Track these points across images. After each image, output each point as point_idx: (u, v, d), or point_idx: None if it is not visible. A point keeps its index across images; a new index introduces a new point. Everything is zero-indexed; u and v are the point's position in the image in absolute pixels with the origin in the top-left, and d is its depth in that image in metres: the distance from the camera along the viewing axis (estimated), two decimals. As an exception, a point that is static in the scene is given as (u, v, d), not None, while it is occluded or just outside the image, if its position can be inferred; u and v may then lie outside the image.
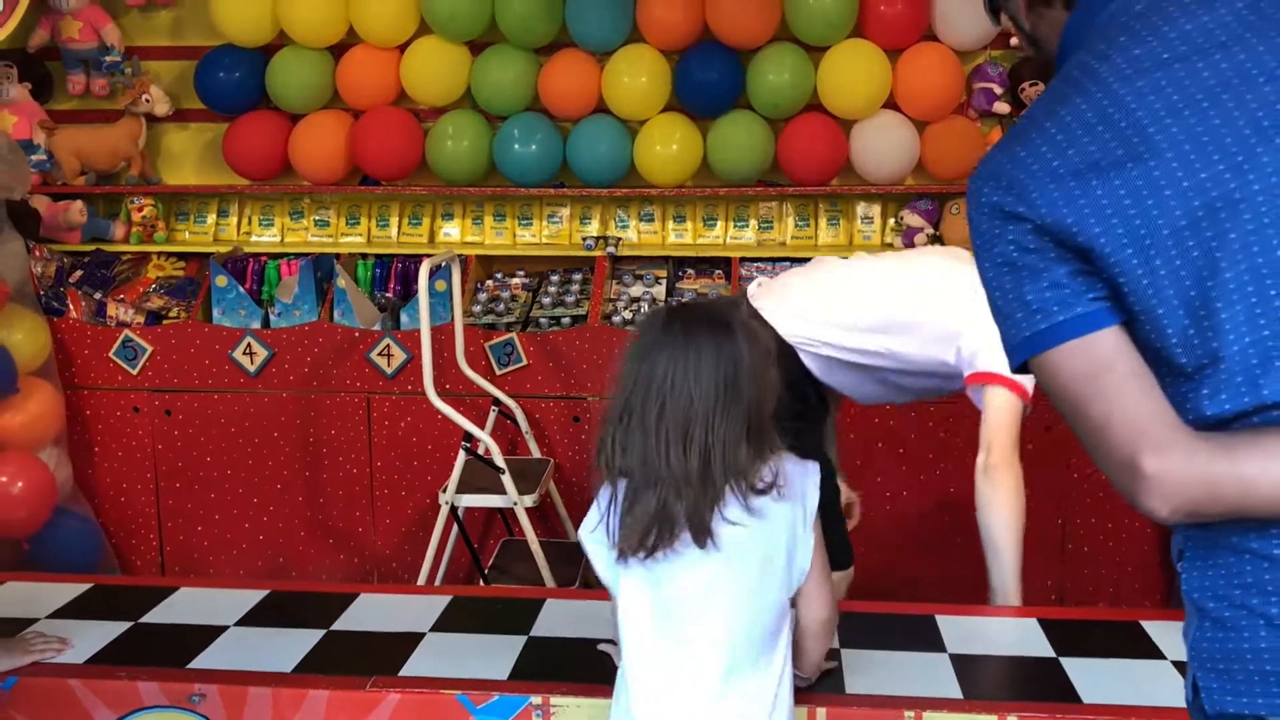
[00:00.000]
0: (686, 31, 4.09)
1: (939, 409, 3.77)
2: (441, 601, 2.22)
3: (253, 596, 2.25)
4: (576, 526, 3.89)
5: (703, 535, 1.62)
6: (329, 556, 4.11)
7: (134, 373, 4.07)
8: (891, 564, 3.77)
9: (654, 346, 1.66)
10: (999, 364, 2.40)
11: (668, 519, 1.61)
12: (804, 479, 1.71)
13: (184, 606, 2.22)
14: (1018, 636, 2.04)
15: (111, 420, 4.11)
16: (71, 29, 4.32)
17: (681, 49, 4.15)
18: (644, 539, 1.63)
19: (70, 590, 2.32)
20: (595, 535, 1.72)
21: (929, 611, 2.13)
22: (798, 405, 2.71)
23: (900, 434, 3.82)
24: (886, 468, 3.84)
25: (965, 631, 2.00)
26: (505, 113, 4.25)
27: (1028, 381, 2.44)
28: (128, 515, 4.16)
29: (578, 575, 3.60)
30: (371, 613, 2.18)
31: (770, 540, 1.66)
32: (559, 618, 2.18)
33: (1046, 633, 2.06)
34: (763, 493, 1.64)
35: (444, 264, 3.73)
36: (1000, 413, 2.45)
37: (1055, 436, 3.78)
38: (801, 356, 2.70)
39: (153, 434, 4.10)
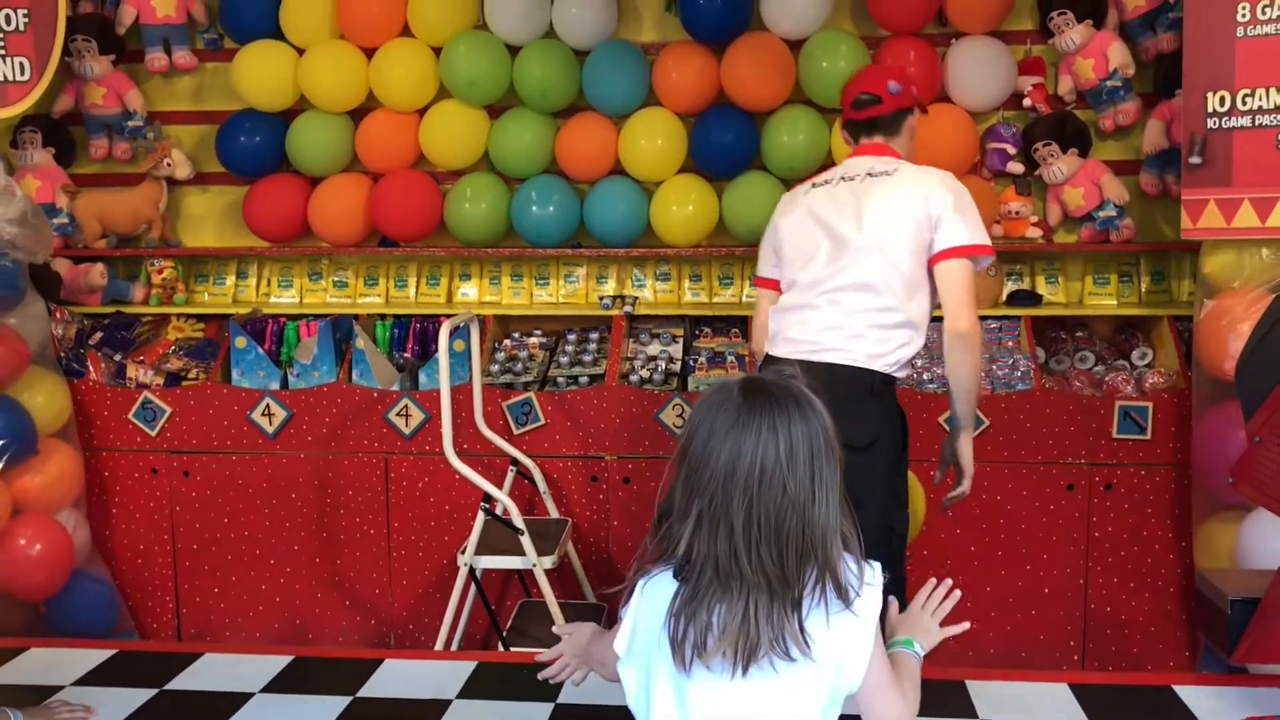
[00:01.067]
0: (702, 95, 4.14)
1: (997, 470, 3.76)
2: (466, 668, 2.20)
3: (277, 662, 2.24)
4: (595, 587, 3.92)
5: (784, 645, 1.46)
6: (346, 618, 4.09)
7: (153, 434, 4.08)
8: (982, 629, 3.75)
9: (731, 427, 1.48)
10: (946, 241, 2.68)
11: (751, 627, 1.45)
12: (867, 585, 1.54)
13: (208, 673, 2.20)
14: (1050, 702, 2.02)
15: (130, 482, 4.11)
16: (95, 95, 4.39)
17: (697, 112, 4.19)
18: (726, 647, 1.46)
19: (93, 657, 2.31)
20: (644, 626, 1.55)
21: (959, 677, 2.10)
22: (902, 435, 2.80)
23: (969, 495, 3.79)
24: (952, 527, 3.81)
25: (995, 699, 1.97)
26: (523, 175, 4.30)
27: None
28: (144, 577, 4.15)
29: (597, 637, 3.57)
30: (396, 679, 2.17)
31: (828, 651, 1.50)
32: (585, 685, 2.16)
33: (1078, 698, 2.04)
34: (846, 599, 1.49)
35: (463, 324, 3.75)
36: (956, 279, 2.72)
37: (1076, 497, 3.77)
38: (895, 376, 2.78)
39: (170, 495, 4.10)
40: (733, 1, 4.07)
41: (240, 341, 4.11)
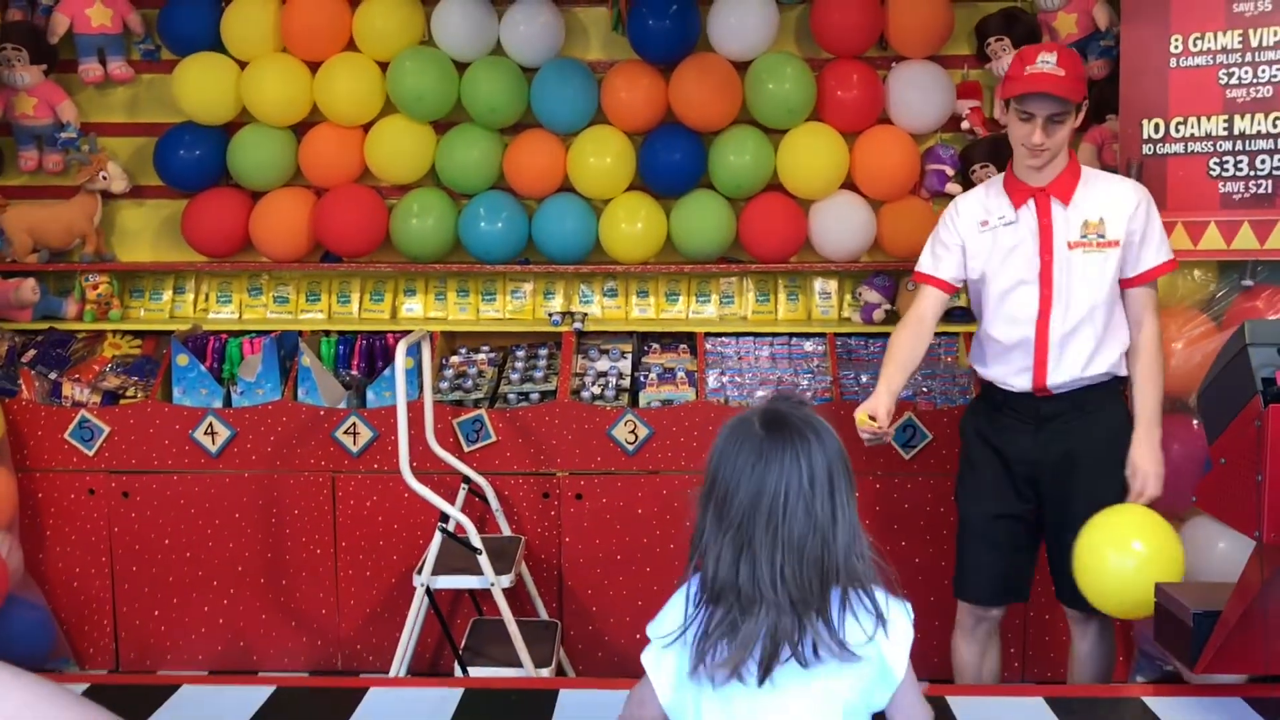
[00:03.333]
0: (650, 114, 4.18)
1: (918, 485, 3.86)
2: (454, 695, 2.20)
3: (259, 694, 2.21)
4: (548, 603, 3.92)
5: (817, 653, 1.54)
6: (292, 640, 4.03)
7: (90, 454, 3.98)
8: (924, 640, 3.80)
9: (754, 459, 1.55)
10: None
11: (777, 646, 1.52)
12: (904, 616, 1.62)
13: (188, 709, 2.16)
14: (1029, 717, 2.09)
15: (65, 503, 4.00)
16: (26, 105, 4.27)
17: (645, 131, 4.23)
18: (739, 664, 1.54)
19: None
20: (671, 646, 1.60)
21: (939, 694, 2.17)
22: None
23: (894, 507, 3.89)
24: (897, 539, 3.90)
25: (977, 714, 2.04)
26: (470, 191, 4.29)
27: None
28: (81, 602, 4.04)
29: (553, 654, 3.59)
30: (385, 709, 2.16)
31: (863, 666, 1.58)
32: (577, 709, 2.18)
33: (1055, 710, 2.12)
34: (879, 617, 1.57)
35: (415, 341, 3.73)
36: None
37: (1016, 507, 3.88)
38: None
39: (109, 517, 4.00)
40: (680, 23, 4.12)
41: (182, 359, 4.03)
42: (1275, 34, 3.28)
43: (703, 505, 1.59)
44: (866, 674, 1.58)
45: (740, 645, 1.53)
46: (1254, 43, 3.32)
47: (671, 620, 1.62)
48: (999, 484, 3.04)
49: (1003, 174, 3.08)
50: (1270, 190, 3.33)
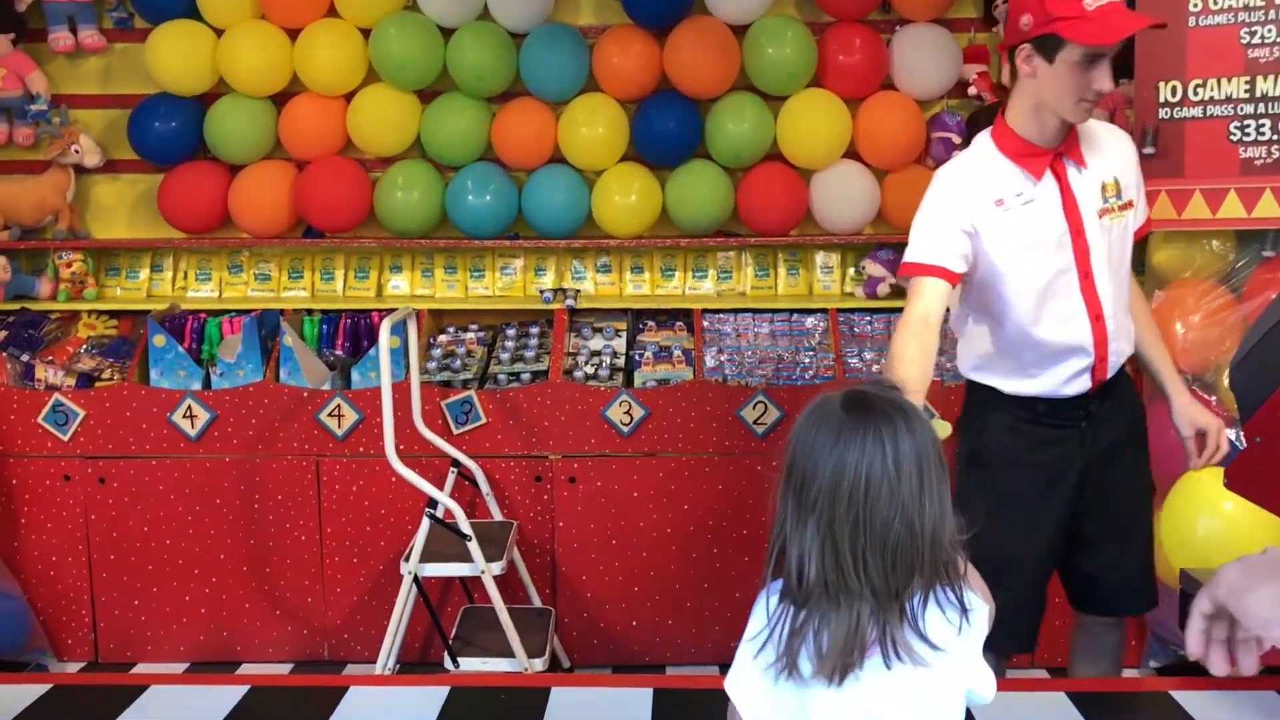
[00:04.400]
0: (644, 81, 4.02)
1: (950, 461, 3.72)
2: (439, 694, 2.06)
3: (231, 694, 2.08)
4: (541, 590, 3.79)
5: (898, 651, 1.44)
6: (277, 629, 3.90)
7: (65, 439, 3.83)
8: None
9: (837, 440, 1.46)
10: None
11: (858, 639, 1.43)
12: (984, 610, 1.52)
13: (158, 709, 2.03)
14: (1053, 715, 1.96)
15: (40, 490, 3.85)
16: (-7, 76, 4.10)
17: (639, 98, 4.07)
18: (835, 666, 1.44)
19: (26, 694, 2.11)
20: (764, 655, 1.48)
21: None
22: None
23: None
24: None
25: (996, 709, 1.90)
26: (457, 163, 4.14)
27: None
28: (58, 591, 3.89)
29: (546, 644, 3.46)
30: (367, 710, 2.02)
31: (958, 660, 1.48)
32: (569, 708, 2.04)
33: (1078, 706, 1.99)
34: (961, 609, 1.47)
35: (401, 319, 3.58)
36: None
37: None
38: None
39: (85, 503, 3.86)
40: (675, -15, 3.96)
41: (159, 339, 3.87)
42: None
43: (782, 496, 1.49)
44: (953, 669, 1.48)
45: (830, 643, 1.43)
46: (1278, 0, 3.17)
47: (754, 629, 1.50)
48: (1049, 511, 2.52)
49: (985, 140, 2.50)
50: (1294, 155, 3.19)
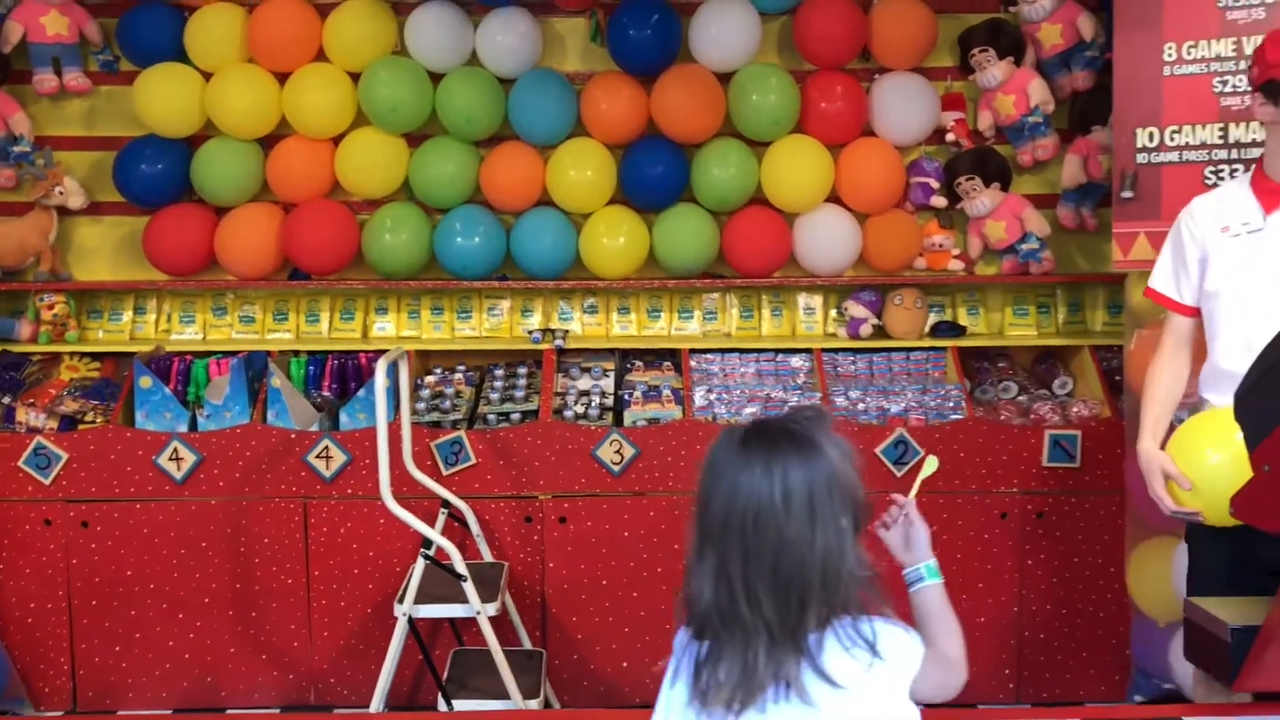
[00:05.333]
0: (632, 126, 4.08)
1: (932, 500, 3.77)
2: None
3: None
4: (530, 632, 3.78)
5: (793, 689, 1.46)
6: (263, 674, 3.85)
7: (46, 483, 3.77)
8: None
9: (730, 470, 1.47)
10: None
11: (755, 674, 1.44)
12: (910, 648, 1.55)
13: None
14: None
15: (20, 534, 3.79)
16: (-25, 117, 4.08)
17: (626, 143, 4.13)
18: (732, 695, 1.45)
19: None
20: (675, 690, 1.52)
21: (978, 719, 2.06)
22: None
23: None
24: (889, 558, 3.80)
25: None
26: (445, 205, 4.16)
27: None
28: (36, 638, 3.82)
29: (540, 685, 3.44)
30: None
31: (869, 699, 1.49)
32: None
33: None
34: (869, 646, 1.48)
35: (393, 360, 3.58)
36: None
37: (1009, 525, 3.82)
38: None
39: (66, 548, 3.80)
40: (661, 33, 4.02)
41: (145, 381, 3.84)
42: (1264, 39, 3.24)
43: (691, 522, 1.51)
44: (861, 708, 1.48)
45: (725, 675, 1.45)
46: (1247, 50, 3.28)
47: (671, 662, 1.54)
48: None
49: (1246, 174, 2.73)
50: (1268, 198, 3.29)
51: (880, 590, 1.53)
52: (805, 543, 1.45)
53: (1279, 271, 2.55)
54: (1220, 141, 3.34)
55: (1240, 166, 3.31)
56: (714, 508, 1.48)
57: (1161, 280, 2.79)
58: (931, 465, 2.03)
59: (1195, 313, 2.71)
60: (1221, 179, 3.33)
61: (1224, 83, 3.32)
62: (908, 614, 1.70)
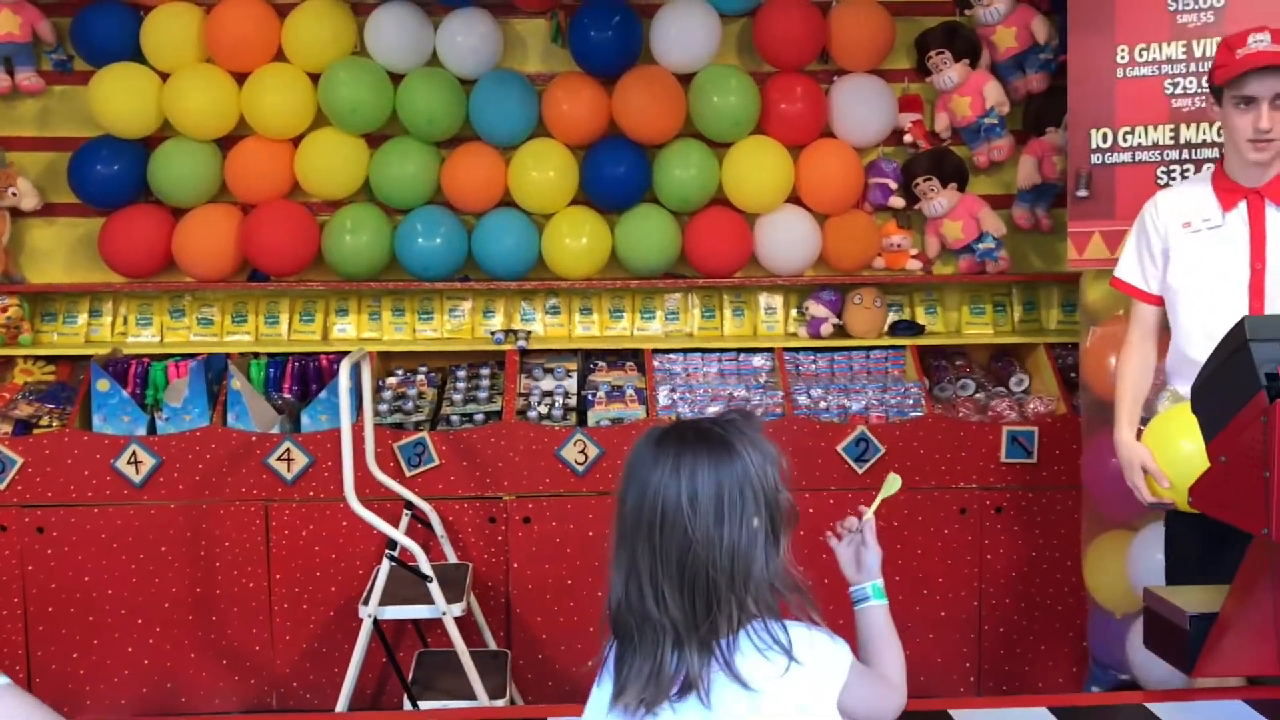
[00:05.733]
0: (593, 127, 4.10)
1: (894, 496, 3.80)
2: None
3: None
4: (495, 632, 3.77)
5: (703, 690, 1.46)
6: (224, 679, 3.81)
7: (1, 487, 3.72)
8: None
9: (642, 469, 1.48)
10: None
11: (663, 673, 1.45)
12: (833, 656, 1.53)
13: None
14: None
15: (-26, 541, 3.74)
16: (-74, 117, 4.01)
17: (588, 144, 4.14)
18: (642, 695, 1.46)
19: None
20: (602, 689, 1.54)
21: (942, 707, 2.10)
22: None
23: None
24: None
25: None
26: (406, 206, 4.15)
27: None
28: (-10, 645, 3.76)
29: (505, 686, 3.44)
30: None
31: (784, 704, 1.48)
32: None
33: (1060, 720, 2.07)
34: (784, 651, 1.47)
35: (356, 361, 3.57)
36: None
37: (969, 521, 3.87)
38: None
39: (22, 554, 3.74)
40: (622, 34, 4.05)
41: (103, 384, 3.80)
42: (1218, 45, 3.32)
43: (611, 523, 1.53)
44: (778, 711, 1.48)
45: (635, 673, 1.46)
46: (1197, 53, 3.36)
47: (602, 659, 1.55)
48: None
49: (1207, 171, 2.84)
50: (1218, 198, 3.37)
51: (811, 599, 1.53)
52: (711, 543, 1.45)
53: (1237, 266, 2.64)
54: (1172, 142, 3.41)
55: (1191, 167, 3.38)
56: (627, 507, 1.49)
57: (1128, 270, 2.87)
58: (893, 484, 2.00)
59: (1160, 301, 2.80)
60: (1173, 179, 3.40)
61: (1175, 84, 3.39)
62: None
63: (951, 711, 2.10)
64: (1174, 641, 2.23)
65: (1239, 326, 2.01)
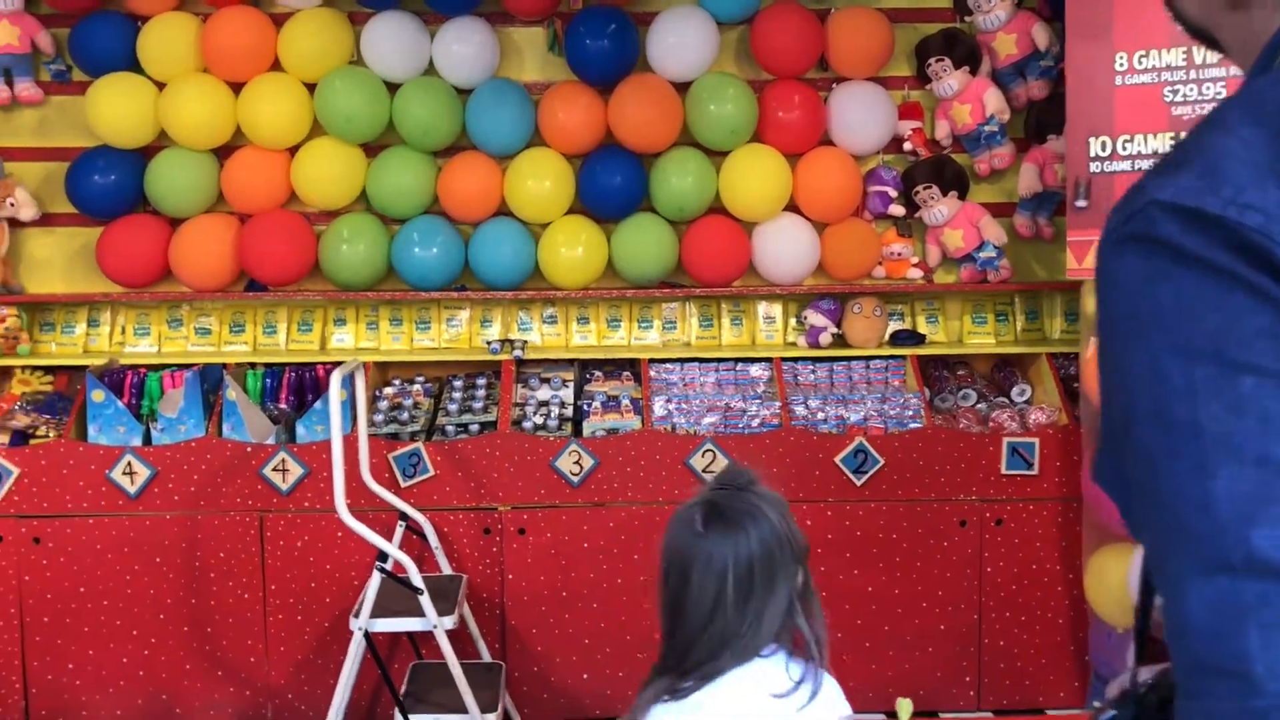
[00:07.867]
0: (590, 136, 4.07)
1: (870, 512, 3.78)
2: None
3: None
4: (490, 645, 3.75)
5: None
6: (218, 690, 3.80)
7: (-3, 498, 3.73)
8: (880, 670, 3.76)
9: (688, 548, 1.80)
10: None
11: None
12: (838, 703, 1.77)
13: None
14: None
15: (-30, 551, 3.74)
16: (-75, 128, 4.02)
17: (584, 153, 4.12)
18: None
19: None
20: None
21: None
22: None
23: (846, 534, 3.77)
24: (850, 568, 3.80)
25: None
26: (403, 216, 4.14)
27: None
28: (-13, 656, 3.76)
29: (498, 699, 3.42)
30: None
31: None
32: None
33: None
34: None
35: (349, 371, 3.55)
36: None
37: (969, 533, 3.82)
38: None
39: (18, 564, 3.74)
40: (619, 43, 4.02)
41: (98, 395, 3.79)
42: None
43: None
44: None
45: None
46: (1197, 60, 3.32)
47: None
48: None
49: None
50: (1218, 207, 3.33)
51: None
52: (747, 607, 1.74)
53: None
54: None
55: (1191, 175, 3.33)
56: (671, 584, 1.79)
57: None
58: (906, 710, 2.17)
59: None
60: (1173, 187, 3.35)
61: (1174, 92, 3.35)
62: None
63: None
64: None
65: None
